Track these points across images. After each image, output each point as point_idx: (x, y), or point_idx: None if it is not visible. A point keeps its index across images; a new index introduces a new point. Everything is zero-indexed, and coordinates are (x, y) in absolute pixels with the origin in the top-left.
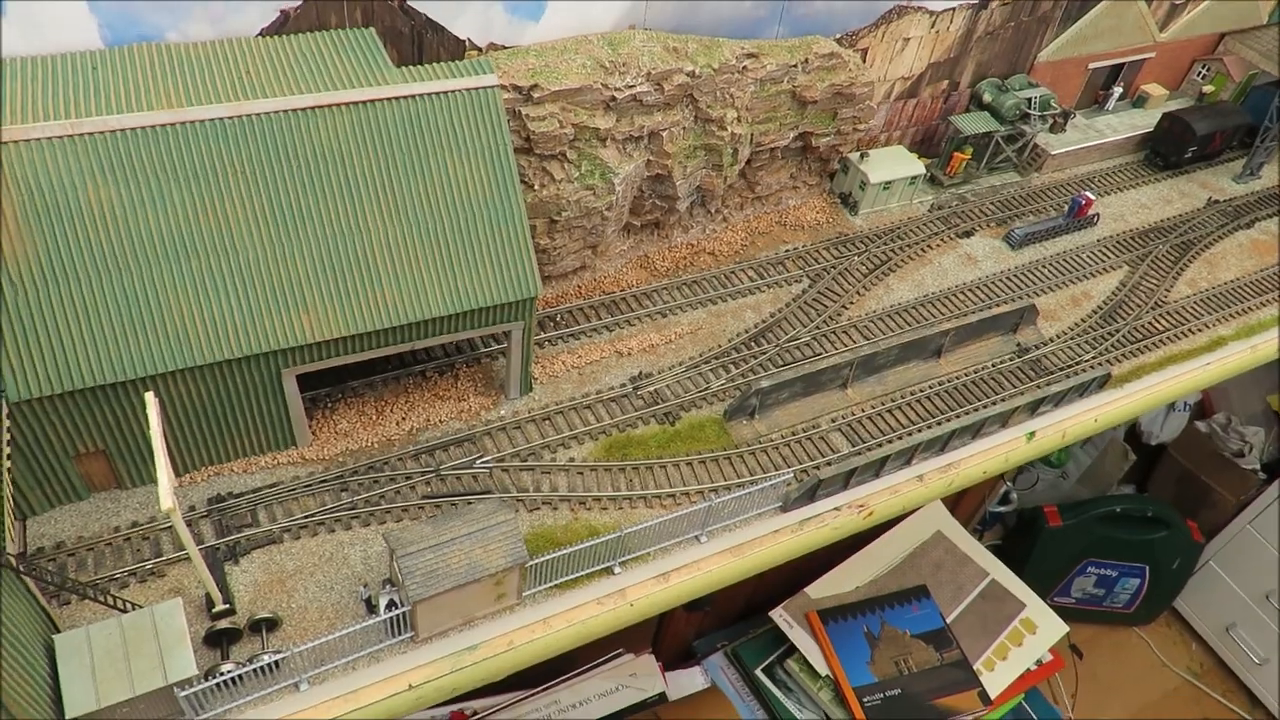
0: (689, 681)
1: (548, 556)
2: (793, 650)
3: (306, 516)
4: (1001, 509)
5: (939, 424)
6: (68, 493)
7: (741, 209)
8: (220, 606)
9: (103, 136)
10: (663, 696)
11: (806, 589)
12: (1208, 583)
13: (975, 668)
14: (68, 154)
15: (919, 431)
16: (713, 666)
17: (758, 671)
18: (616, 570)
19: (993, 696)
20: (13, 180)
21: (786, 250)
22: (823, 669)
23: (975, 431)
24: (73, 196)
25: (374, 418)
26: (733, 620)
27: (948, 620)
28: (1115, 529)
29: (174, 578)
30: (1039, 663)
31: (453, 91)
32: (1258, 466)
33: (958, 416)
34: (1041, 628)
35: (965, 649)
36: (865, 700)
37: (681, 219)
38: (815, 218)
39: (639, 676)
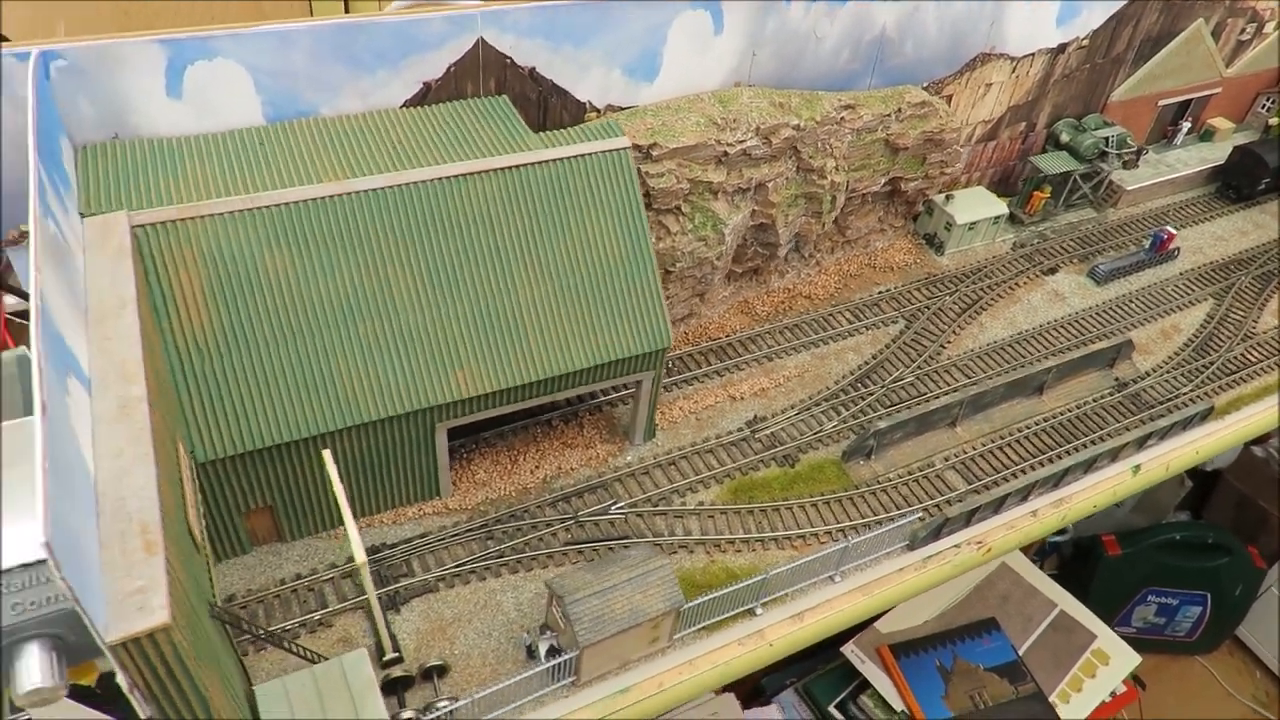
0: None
1: (702, 600)
2: (865, 686)
3: (458, 565)
4: (1058, 539)
5: (1050, 460)
6: (234, 548)
7: (832, 252)
8: (391, 655)
9: (277, 209)
10: None
11: (875, 623)
12: (1271, 609)
13: (1050, 700)
14: (247, 226)
15: (1031, 468)
16: (785, 704)
17: (831, 708)
18: (759, 611)
19: None
20: (199, 253)
21: (879, 292)
22: (898, 704)
23: (1088, 467)
24: (251, 267)
25: (509, 467)
26: (799, 656)
27: (1019, 652)
28: (1176, 557)
29: (341, 627)
30: (1113, 694)
31: (589, 154)
32: None
33: (1067, 453)
34: (1114, 658)
35: (1040, 682)
36: None
37: (779, 264)
38: (903, 259)
39: (720, 713)
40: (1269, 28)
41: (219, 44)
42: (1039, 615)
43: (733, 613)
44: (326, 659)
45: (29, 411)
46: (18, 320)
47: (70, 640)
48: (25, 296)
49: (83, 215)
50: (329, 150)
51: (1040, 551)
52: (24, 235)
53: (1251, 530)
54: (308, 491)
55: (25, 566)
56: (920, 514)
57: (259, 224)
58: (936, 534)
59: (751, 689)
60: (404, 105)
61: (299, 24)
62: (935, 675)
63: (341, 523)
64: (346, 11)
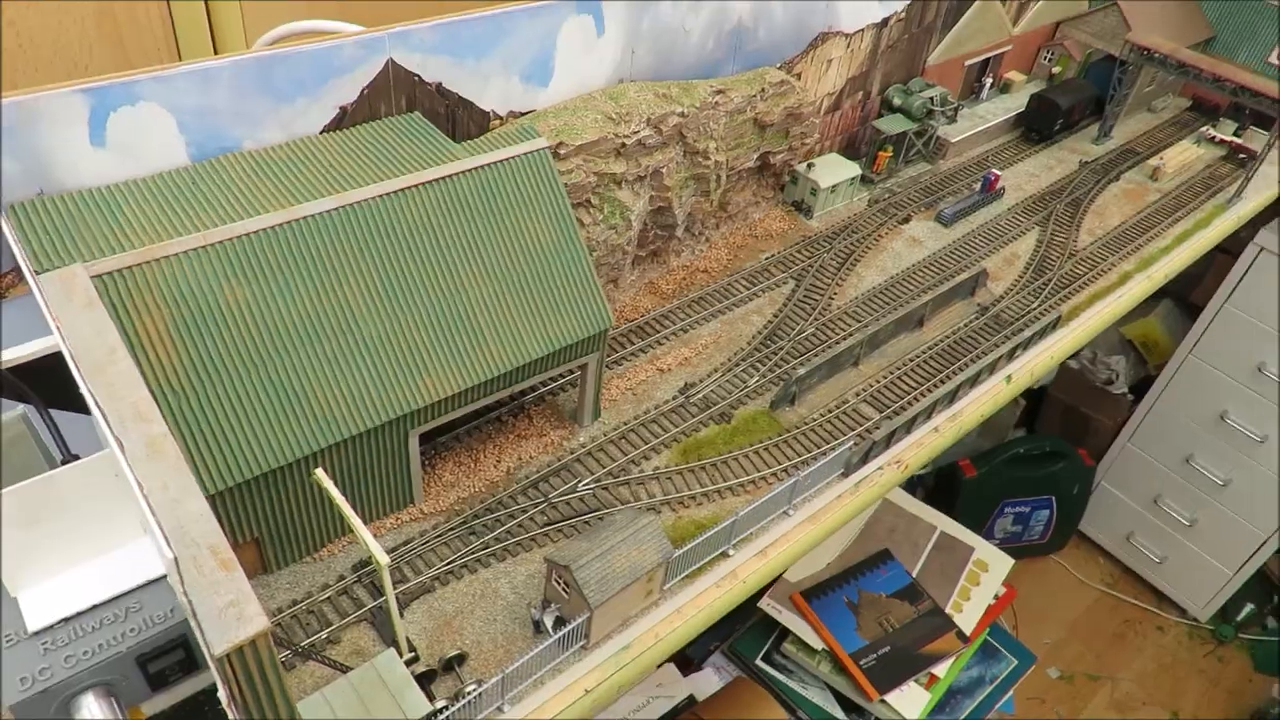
0: (706, 683)
1: (687, 547)
2: (785, 635)
3: (448, 564)
4: (921, 471)
5: (942, 381)
6: None
7: (718, 228)
8: (408, 655)
9: (230, 243)
10: (691, 699)
11: (784, 575)
12: (1104, 501)
13: (947, 611)
14: (202, 264)
15: (928, 391)
16: (716, 666)
17: (758, 661)
18: (731, 552)
19: (968, 633)
20: (160, 297)
21: (766, 258)
22: (817, 644)
23: (973, 382)
24: (212, 303)
25: (472, 466)
26: (720, 620)
27: (913, 575)
28: (1022, 469)
29: (349, 641)
30: (996, 597)
31: (514, 157)
32: (1126, 390)
33: (957, 372)
34: (992, 565)
35: (935, 597)
36: (862, 663)
37: (675, 245)
38: (779, 226)
39: (665, 685)
40: None
41: (141, 88)
42: (923, 540)
43: (710, 557)
44: (352, 668)
45: (44, 469)
46: None
47: (121, 686)
48: None
49: (37, 273)
50: (265, 181)
51: (909, 485)
52: None
53: (1078, 435)
54: (294, 517)
55: (66, 620)
56: (854, 442)
57: (214, 260)
58: (865, 458)
59: (680, 660)
60: (322, 131)
61: (220, 60)
62: (846, 611)
63: (327, 542)
64: (215, 52)
